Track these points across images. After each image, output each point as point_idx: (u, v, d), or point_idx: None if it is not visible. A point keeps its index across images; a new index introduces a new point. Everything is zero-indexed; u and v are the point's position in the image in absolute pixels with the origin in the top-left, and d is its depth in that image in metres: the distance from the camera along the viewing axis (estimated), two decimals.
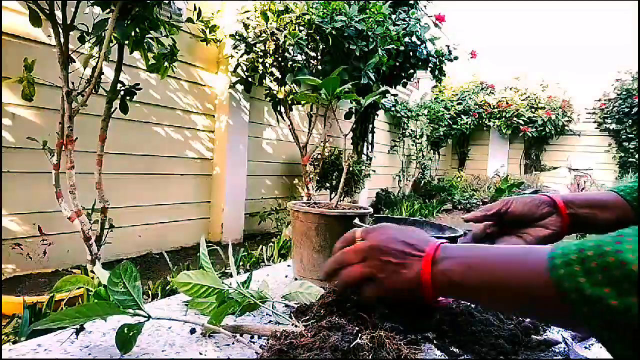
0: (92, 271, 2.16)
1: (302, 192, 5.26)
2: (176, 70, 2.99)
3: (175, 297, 0.87)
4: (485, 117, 9.75)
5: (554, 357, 0.69)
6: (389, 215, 5.93)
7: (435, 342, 0.71)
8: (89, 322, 0.70)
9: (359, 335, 0.50)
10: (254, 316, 0.77)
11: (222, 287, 0.64)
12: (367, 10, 3.58)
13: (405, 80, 5.06)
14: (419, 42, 4.63)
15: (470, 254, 0.52)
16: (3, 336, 1.72)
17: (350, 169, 4.68)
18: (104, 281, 0.60)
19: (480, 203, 7.92)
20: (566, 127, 9.63)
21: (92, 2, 2.08)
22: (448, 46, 5.06)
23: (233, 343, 0.65)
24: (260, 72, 3.77)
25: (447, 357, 0.67)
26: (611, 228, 0.72)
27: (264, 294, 0.72)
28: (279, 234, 4.00)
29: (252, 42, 3.65)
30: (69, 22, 2.04)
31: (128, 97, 2.40)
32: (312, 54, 3.61)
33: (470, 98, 9.86)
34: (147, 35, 2.25)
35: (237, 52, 3.83)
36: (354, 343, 0.48)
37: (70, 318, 0.55)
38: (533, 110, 9.50)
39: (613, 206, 0.73)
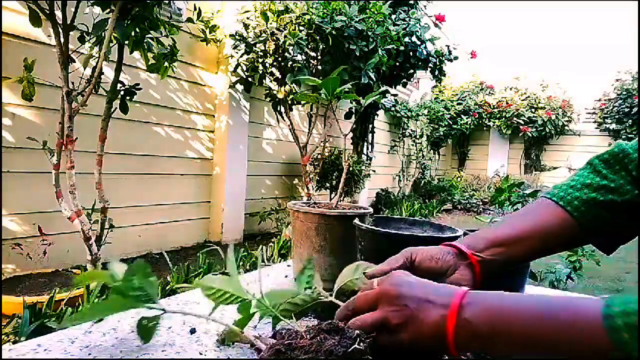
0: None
1: (302, 192, 5.26)
2: (176, 70, 2.99)
3: (175, 297, 0.87)
4: (485, 117, 9.76)
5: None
6: (389, 215, 5.94)
7: None
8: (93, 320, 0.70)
9: (357, 340, 0.50)
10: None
11: (246, 296, 0.63)
12: (367, 10, 3.58)
13: (405, 80, 5.06)
14: (419, 42, 4.63)
15: (501, 302, 0.44)
16: (3, 336, 1.72)
17: (350, 169, 4.68)
18: (121, 277, 0.62)
19: (480, 203, 7.92)
20: (566, 127, 9.64)
21: (92, 2, 2.08)
22: (448, 46, 5.06)
23: (233, 343, 0.65)
24: (260, 72, 3.77)
25: (446, 357, 0.67)
26: (535, 256, 0.64)
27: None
28: (279, 234, 4.00)
29: (252, 42, 3.65)
30: (69, 22, 2.04)
31: (128, 97, 2.40)
32: (312, 54, 3.61)
33: (470, 98, 9.86)
34: (147, 35, 2.25)
35: (237, 52, 3.83)
36: (351, 348, 0.48)
37: (90, 315, 0.58)
38: (533, 110, 9.51)
39: (534, 233, 0.64)
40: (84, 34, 2.18)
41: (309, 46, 3.50)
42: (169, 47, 2.45)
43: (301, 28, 3.43)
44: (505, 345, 0.42)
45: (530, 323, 0.40)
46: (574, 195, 0.64)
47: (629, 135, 8.80)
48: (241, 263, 2.94)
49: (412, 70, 4.91)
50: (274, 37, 3.50)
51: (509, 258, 0.63)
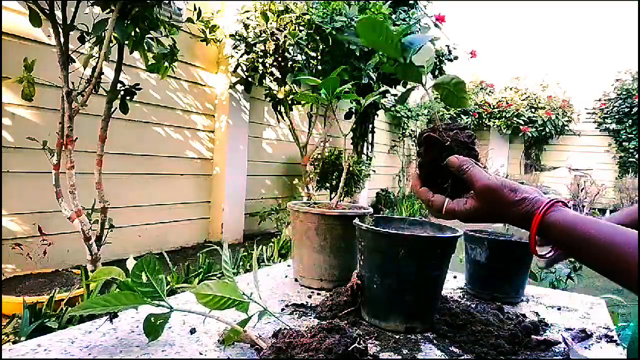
0: (92, 271, 2.15)
1: (302, 192, 5.26)
2: (176, 70, 2.99)
3: (175, 297, 0.87)
4: (485, 117, 9.75)
5: (554, 357, 0.69)
6: (389, 215, 5.93)
7: (435, 342, 0.71)
8: (94, 320, 0.70)
9: (358, 339, 0.50)
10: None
11: (243, 299, 0.63)
12: (367, 10, 3.58)
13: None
14: None
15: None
16: (3, 336, 1.72)
17: (350, 169, 4.68)
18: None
19: None
20: (566, 127, 9.62)
21: (92, 2, 2.08)
22: (448, 46, 5.07)
23: (233, 343, 0.65)
24: (260, 72, 3.77)
25: (447, 357, 0.67)
26: None
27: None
28: (279, 234, 3.99)
29: (252, 42, 3.65)
30: (69, 22, 2.04)
31: (128, 97, 2.40)
32: (312, 54, 3.61)
33: (470, 98, 9.86)
34: (147, 35, 2.25)
35: (237, 52, 3.83)
36: (351, 347, 0.48)
37: (100, 305, 0.59)
38: (533, 110, 9.50)
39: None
40: (84, 34, 2.18)
41: (309, 46, 3.50)
42: (169, 47, 2.45)
43: (301, 28, 3.43)
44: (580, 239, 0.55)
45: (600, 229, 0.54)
46: None
47: (629, 135, 8.80)
48: (241, 263, 2.94)
49: None
50: (274, 37, 3.50)
51: None
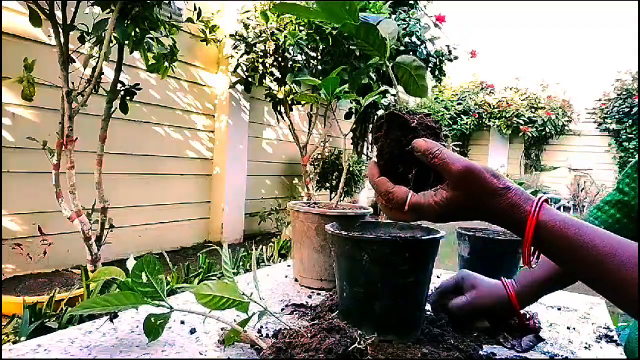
0: (92, 271, 2.15)
1: (302, 192, 5.26)
2: (176, 70, 2.99)
3: (175, 297, 0.87)
4: (485, 117, 9.74)
5: (555, 357, 0.70)
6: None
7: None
8: (94, 320, 0.70)
9: (358, 339, 0.50)
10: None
11: (243, 299, 0.63)
12: (367, 10, 3.58)
13: None
14: (418, 42, 4.62)
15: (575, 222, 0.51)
16: (3, 336, 1.72)
17: (350, 169, 4.68)
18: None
19: None
20: (566, 127, 9.62)
21: (92, 2, 2.08)
22: (448, 46, 5.06)
23: (233, 343, 0.65)
24: (260, 72, 3.77)
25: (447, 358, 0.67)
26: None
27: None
28: (279, 234, 3.99)
29: (252, 42, 3.65)
30: (69, 22, 2.04)
31: (128, 97, 2.40)
32: (312, 54, 3.61)
33: (470, 98, 9.85)
34: (147, 35, 2.25)
35: (237, 52, 3.83)
36: (351, 347, 0.48)
37: (100, 305, 0.59)
38: (533, 110, 9.49)
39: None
40: (84, 34, 2.18)
41: (309, 46, 3.50)
42: (169, 47, 2.45)
43: (301, 28, 3.43)
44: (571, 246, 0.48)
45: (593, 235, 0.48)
46: None
47: (629, 135, 8.80)
48: (241, 263, 2.94)
49: None
50: (274, 37, 3.50)
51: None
